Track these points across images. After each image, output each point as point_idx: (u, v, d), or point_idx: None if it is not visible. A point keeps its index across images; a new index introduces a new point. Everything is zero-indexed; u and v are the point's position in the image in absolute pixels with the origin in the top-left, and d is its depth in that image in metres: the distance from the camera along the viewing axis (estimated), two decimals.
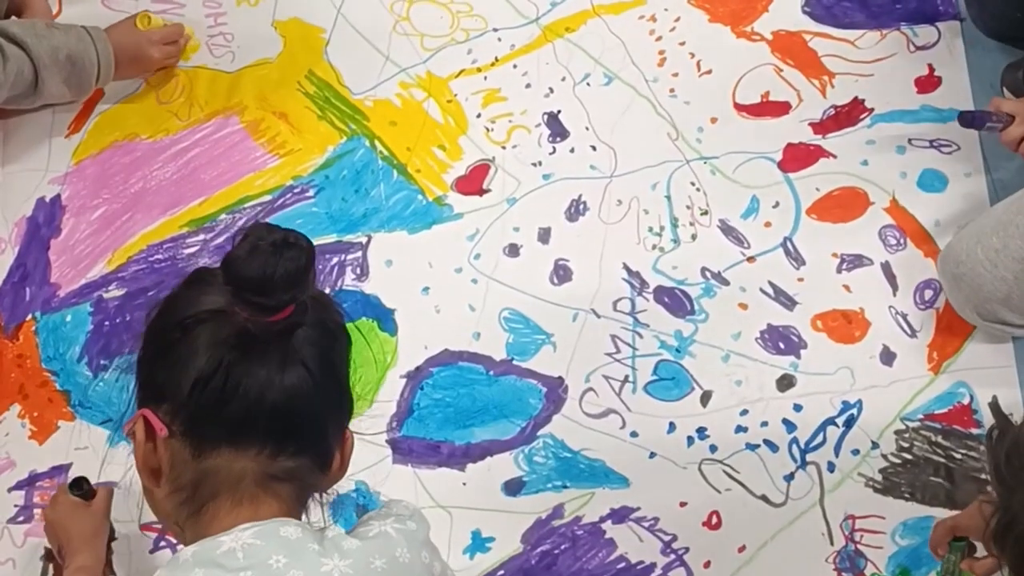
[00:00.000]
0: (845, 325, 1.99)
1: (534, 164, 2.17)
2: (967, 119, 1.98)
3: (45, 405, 2.02)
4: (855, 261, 2.04)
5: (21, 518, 1.95)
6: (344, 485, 1.80)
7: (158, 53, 2.19)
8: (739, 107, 2.19)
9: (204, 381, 1.13)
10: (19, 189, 2.20)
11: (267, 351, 1.14)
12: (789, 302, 2.01)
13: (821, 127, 2.16)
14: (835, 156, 2.13)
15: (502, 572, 1.87)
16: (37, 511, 1.92)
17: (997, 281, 1.82)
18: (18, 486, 1.97)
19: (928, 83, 2.17)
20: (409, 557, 1.18)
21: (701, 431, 1.93)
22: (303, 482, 1.19)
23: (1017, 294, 1.83)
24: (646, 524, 1.88)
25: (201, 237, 2.13)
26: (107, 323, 2.07)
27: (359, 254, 2.10)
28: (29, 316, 2.09)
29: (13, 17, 2.21)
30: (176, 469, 1.16)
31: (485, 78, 2.26)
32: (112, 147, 2.23)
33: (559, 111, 2.22)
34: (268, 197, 2.16)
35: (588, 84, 2.24)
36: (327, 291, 2.06)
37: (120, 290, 2.10)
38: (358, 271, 2.09)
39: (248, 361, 1.14)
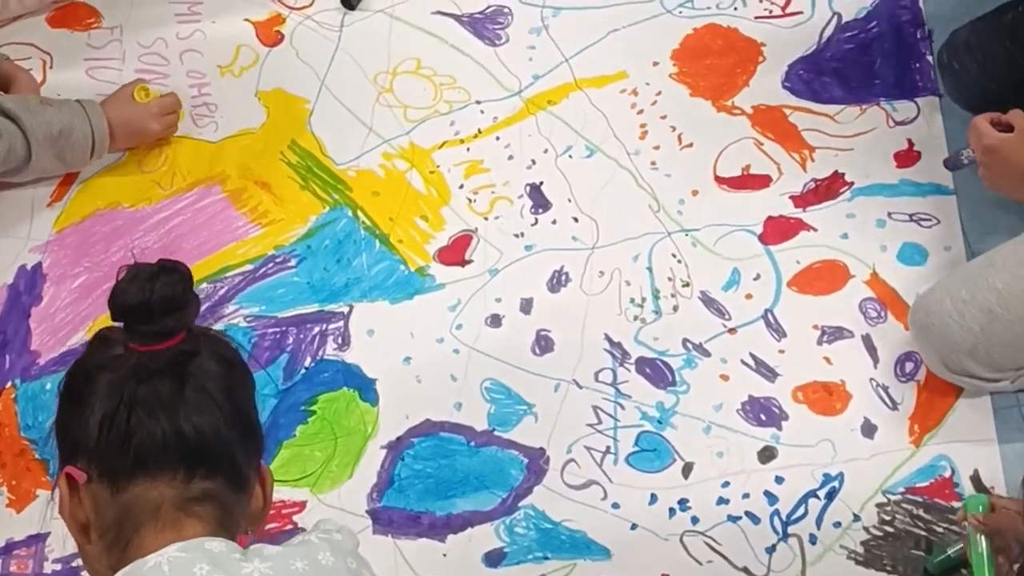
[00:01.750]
0: (826, 397, 2.01)
1: (516, 235, 2.19)
2: (951, 163, 2.05)
3: (23, 474, 2.02)
4: (836, 333, 2.06)
5: None
6: None
7: (158, 125, 2.22)
8: (720, 180, 2.23)
9: (109, 419, 1.19)
10: (1, 256, 2.20)
11: (164, 379, 1.20)
12: (770, 374, 2.03)
13: (802, 200, 2.20)
14: (816, 229, 2.16)
15: None
16: None
17: (964, 331, 1.85)
18: None
19: (907, 157, 2.22)
20: (332, 561, 1.21)
21: (683, 503, 1.94)
22: (221, 502, 1.22)
23: (983, 346, 1.87)
24: None
25: None
26: None
27: (340, 324, 2.11)
28: (8, 384, 2.09)
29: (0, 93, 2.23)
30: (100, 512, 1.20)
31: (468, 149, 2.29)
32: (94, 216, 2.24)
33: (541, 182, 2.25)
34: (250, 266, 2.18)
35: (570, 156, 2.27)
36: (308, 361, 2.07)
37: None
38: (339, 340, 2.10)
39: (147, 392, 1.20)
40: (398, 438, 2.02)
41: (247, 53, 2.42)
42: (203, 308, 1.99)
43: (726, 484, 1.96)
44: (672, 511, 1.94)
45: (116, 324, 1.23)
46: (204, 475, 1.21)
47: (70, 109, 2.12)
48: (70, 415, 1.24)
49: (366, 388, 2.06)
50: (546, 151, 2.28)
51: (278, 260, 2.18)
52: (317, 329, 2.11)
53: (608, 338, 2.08)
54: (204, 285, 2.16)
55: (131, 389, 1.20)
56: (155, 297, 1.19)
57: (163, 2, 2.48)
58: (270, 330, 2.11)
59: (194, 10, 2.47)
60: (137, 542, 1.19)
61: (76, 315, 2.14)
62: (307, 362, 2.08)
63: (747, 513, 1.93)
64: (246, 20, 2.46)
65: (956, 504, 1.91)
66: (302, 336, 2.11)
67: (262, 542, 1.23)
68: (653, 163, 2.25)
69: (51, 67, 2.41)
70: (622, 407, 2.02)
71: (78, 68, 2.41)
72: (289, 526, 1.95)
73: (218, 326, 2.10)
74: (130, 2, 2.48)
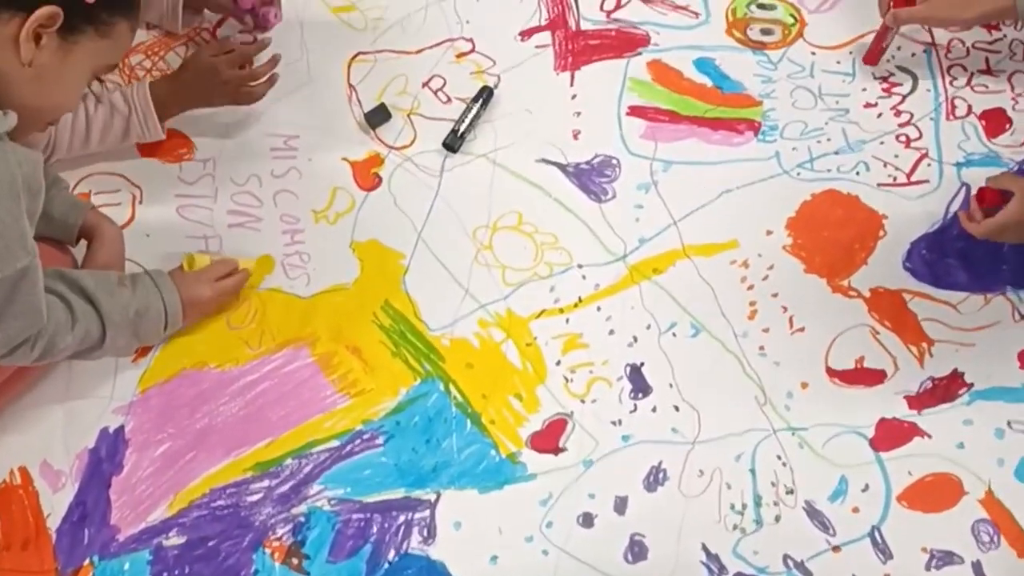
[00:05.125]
0: None
1: (614, 423, 2.18)
2: None
3: None
4: (945, 558, 2.04)
5: None
6: None
7: (210, 291, 2.21)
8: (832, 372, 2.20)
9: None
10: (83, 417, 2.22)
11: None
12: None
13: (917, 401, 2.17)
14: (930, 436, 2.14)
15: None
16: None
17: None
18: None
19: None
20: None
21: None
22: None
23: None
24: None
25: (266, 483, 2.15)
26: (165, 574, 2.09)
27: (427, 512, 2.12)
28: (87, 560, 2.12)
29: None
30: None
31: (567, 320, 2.28)
32: (180, 375, 2.25)
33: (642, 363, 2.23)
34: (336, 442, 2.18)
35: (674, 334, 2.25)
36: (392, 554, 2.08)
37: (180, 538, 2.12)
38: (425, 532, 2.11)
39: None
40: None
41: (343, 197, 2.41)
42: (287, 487, 2.04)
43: None
44: None
45: None
46: None
47: (144, 287, 2.12)
48: None
49: None
50: (649, 327, 2.26)
51: (366, 437, 2.19)
52: (403, 518, 2.12)
53: (705, 548, 2.08)
54: (289, 461, 2.17)
55: None
56: None
57: (259, 133, 2.47)
58: (355, 516, 2.12)
59: (290, 144, 2.47)
60: None
61: (157, 488, 2.16)
62: (391, 555, 2.09)
63: None
64: (343, 159, 2.45)
65: None
66: (387, 525, 2.11)
67: None
68: (761, 348, 2.23)
69: (140, 202, 2.42)
70: None
71: (169, 205, 2.41)
72: None
73: (302, 508, 2.12)
74: (224, 131, 2.47)
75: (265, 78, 2.38)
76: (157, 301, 2.14)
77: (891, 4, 2.36)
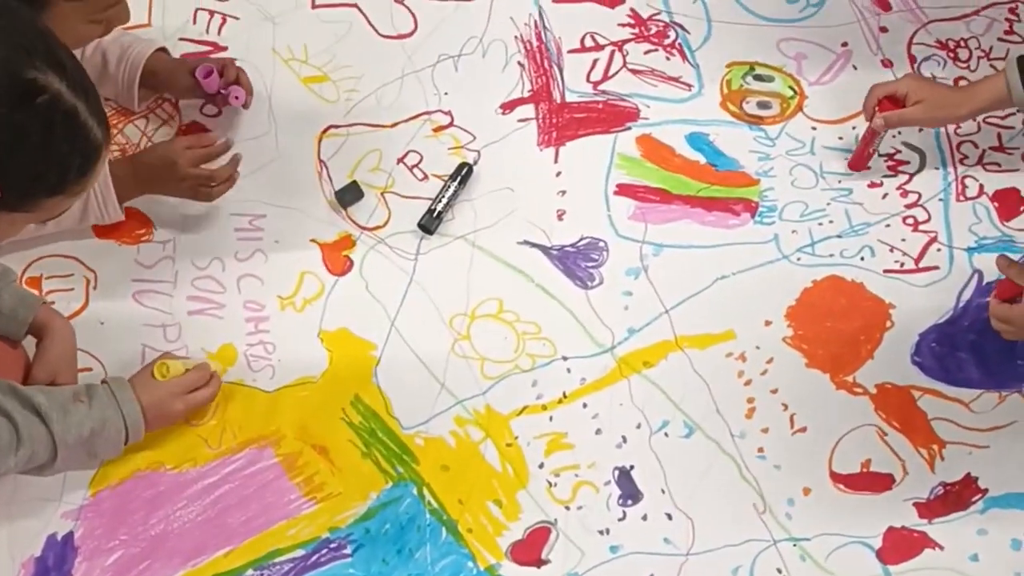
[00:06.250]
0: None
1: (601, 532, 2.07)
2: None
3: None
4: None
5: None
6: None
7: (181, 404, 2.09)
8: (836, 477, 2.09)
9: None
10: (29, 521, 2.09)
11: None
12: None
13: (928, 509, 2.07)
14: (942, 547, 2.05)
15: None
16: None
17: None
18: None
19: None
20: None
21: None
22: None
23: None
24: None
25: None
26: None
27: None
28: None
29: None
30: None
31: (551, 418, 2.16)
32: (134, 477, 2.13)
33: (632, 466, 2.11)
34: (301, 552, 2.06)
35: (666, 435, 2.13)
36: None
37: None
38: None
39: None
40: None
41: (311, 283, 2.28)
42: None
43: None
44: None
45: None
46: None
47: (100, 403, 1.99)
48: None
49: None
50: (639, 426, 2.14)
51: (333, 546, 2.06)
52: None
53: None
54: (250, 572, 2.05)
55: None
56: None
57: (223, 213, 2.34)
58: None
59: (256, 224, 2.34)
60: None
61: None
62: None
63: None
64: (312, 241, 2.32)
65: None
66: None
67: None
68: (760, 450, 2.11)
69: (95, 287, 2.28)
70: None
71: (125, 291, 2.28)
72: None
73: None
74: (186, 211, 2.35)
75: (224, 179, 2.25)
76: (116, 416, 2.00)
77: (877, 108, 2.23)
